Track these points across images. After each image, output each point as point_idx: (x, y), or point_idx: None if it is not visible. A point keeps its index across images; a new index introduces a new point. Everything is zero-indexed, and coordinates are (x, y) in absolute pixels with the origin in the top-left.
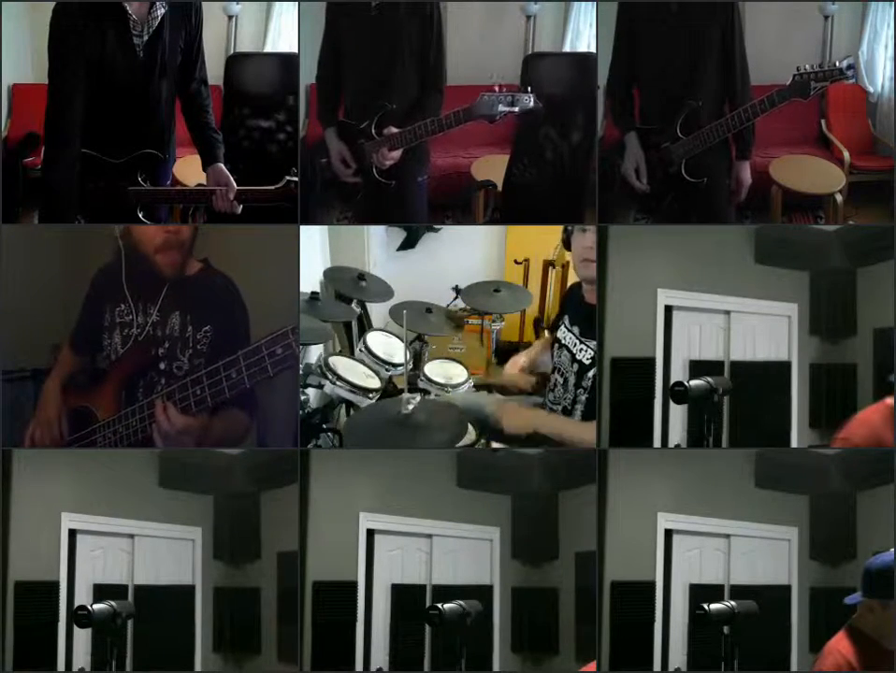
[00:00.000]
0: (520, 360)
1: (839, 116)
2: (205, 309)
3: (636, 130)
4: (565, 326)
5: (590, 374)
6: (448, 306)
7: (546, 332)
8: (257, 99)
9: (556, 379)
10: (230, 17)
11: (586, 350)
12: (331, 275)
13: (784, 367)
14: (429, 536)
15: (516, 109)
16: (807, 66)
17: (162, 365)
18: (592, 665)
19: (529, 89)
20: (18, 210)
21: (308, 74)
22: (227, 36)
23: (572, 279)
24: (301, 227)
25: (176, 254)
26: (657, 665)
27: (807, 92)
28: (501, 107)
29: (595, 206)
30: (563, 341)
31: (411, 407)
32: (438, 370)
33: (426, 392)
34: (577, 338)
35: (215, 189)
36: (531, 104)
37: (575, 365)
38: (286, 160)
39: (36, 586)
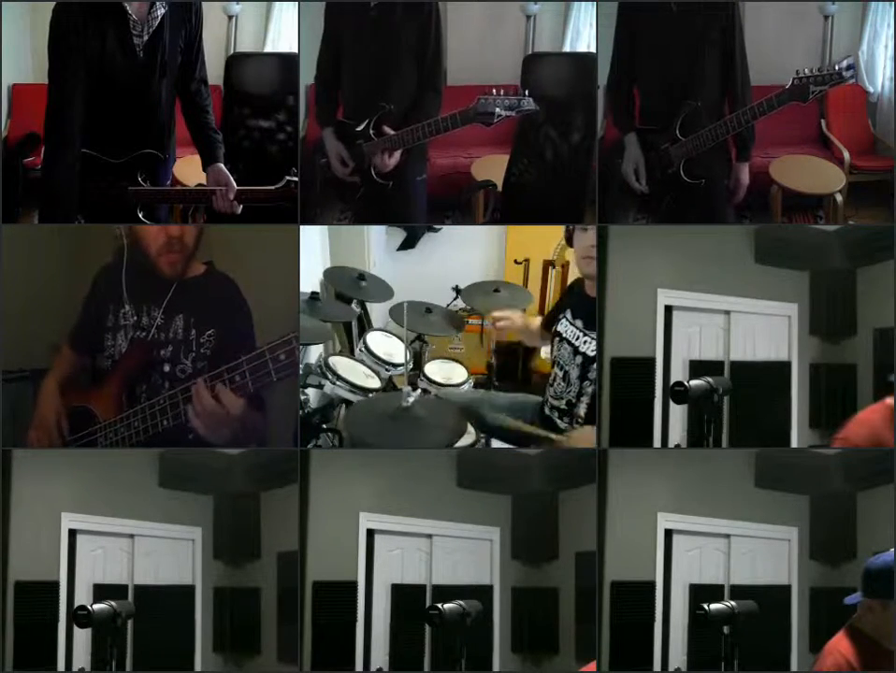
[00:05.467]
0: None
1: (839, 116)
2: (208, 312)
3: (636, 130)
4: (567, 320)
5: (595, 365)
6: (448, 306)
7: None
8: (257, 99)
9: (555, 374)
10: (230, 17)
11: (591, 342)
12: (331, 275)
13: (784, 367)
14: (429, 536)
15: (514, 113)
16: (806, 70)
17: (165, 368)
18: (592, 665)
19: (527, 92)
20: (18, 210)
21: (308, 74)
22: (227, 36)
23: (572, 278)
24: (301, 227)
25: (178, 257)
26: (657, 665)
27: (806, 95)
28: (499, 111)
29: (595, 206)
30: (564, 335)
31: (410, 400)
32: (438, 370)
33: (426, 392)
34: (580, 331)
35: (215, 189)
36: (529, 107)
37: (578, 358)
38: (286, 160)
39: (36, 586)
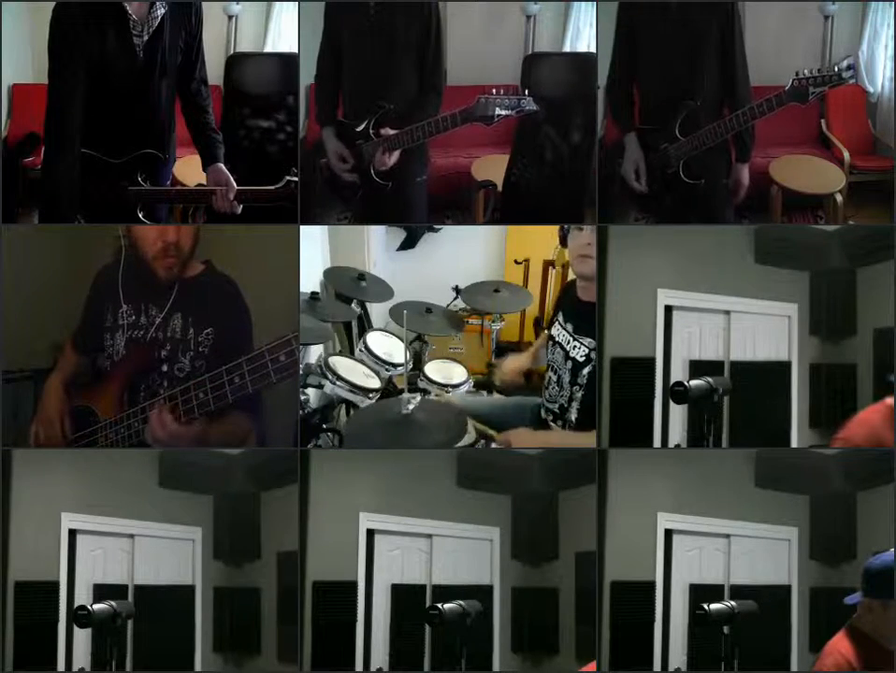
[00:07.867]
0: (522, 362)
1: (839, 116)
2: (206, 311)
3: (635, 130)
4: (559, 323)
5: (585, 371)
6: (448, 306)
7: (545, 330)
8: (257, 99)
9: (549, 377)
10: (230, 17)
11: (580, 348)
12: (331, 275)
13: (784, 367)
14: (429, 536)
15: (514, 112)
16: (805, 71)
17: (164, 367)
18: (592, 665)
19: (527, 91)
20: (18, 210)
21: (308, 74)
22: (227, 36)
23: (572, 277)
24: (301, 227)
25: (174, 262)
26: (657, 665)
27: (805, 97)
28: (499, 110)
29: (595, 206)
30: (557, 338)
31: (411, 406)
32: (438, 370)
33: (426, 392)
34: (570, 336)
35: (215, 189)
36: (529, 107)
37: (569, 363)
38: (286, 160)
39: (36, 586)
